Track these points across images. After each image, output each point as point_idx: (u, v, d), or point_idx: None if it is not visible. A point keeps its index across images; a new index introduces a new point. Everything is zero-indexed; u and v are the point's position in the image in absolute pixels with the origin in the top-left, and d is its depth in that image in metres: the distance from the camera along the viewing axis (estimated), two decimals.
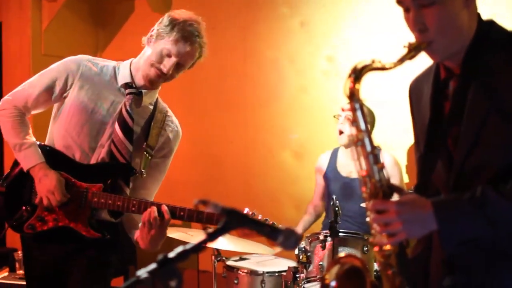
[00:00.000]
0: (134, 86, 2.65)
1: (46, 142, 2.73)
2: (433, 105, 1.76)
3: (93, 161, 2.63)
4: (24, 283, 4.06)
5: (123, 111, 2.62)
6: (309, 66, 4.63)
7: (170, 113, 2.81)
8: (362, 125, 1.66)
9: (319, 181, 4.11)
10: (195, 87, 5.06)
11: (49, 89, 2.65)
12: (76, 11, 5.34)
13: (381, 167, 1.65)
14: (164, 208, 2.47)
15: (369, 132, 1.66)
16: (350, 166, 3.90)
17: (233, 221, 1.40)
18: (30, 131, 2.71)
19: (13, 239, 5.23)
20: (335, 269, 1.74)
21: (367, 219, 1.66)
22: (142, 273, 1.30)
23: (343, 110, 3.82)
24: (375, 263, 3.37)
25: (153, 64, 2.57)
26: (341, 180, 3.91)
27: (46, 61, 5.28)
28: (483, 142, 1.63)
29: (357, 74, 1.64)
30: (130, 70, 2.67)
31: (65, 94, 2.65)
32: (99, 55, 5.50)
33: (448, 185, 1.70)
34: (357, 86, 1.64)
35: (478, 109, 1.64)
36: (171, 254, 1.34)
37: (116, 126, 2.61)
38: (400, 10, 1.72)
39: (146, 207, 2.49)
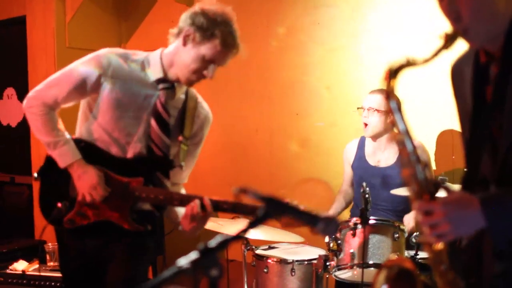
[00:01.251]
0: (166, 80, 2.63)
1: (77, 136, 2.71)
2: (475, 91, 1.72)
3: (129, 155, 2.63)
4: (55, 274, 4.14)
5: (159, 106, 2.60)
6: (336, 54, 4.58)
7: (200, 99, 2.80)
8: (402, 126, 1.64)
9: (347, 169, 4.08)
10: (219, 77, 5.02)
11: (80, 87, 2.60)
12: (99, 3, 5.35)
13: (424, 166, 1.64)
14: (207, 201, 2.47)
15: (409, 132, 1.64)
16: (378, 155, 3.86)
17: (273, 209, 1.39)
18: (61, 126, 2.67)
19: (41, 231, 5.28)
20: (383, 275, 1.72)
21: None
22: (184, 262, 1.30)
23: (369, 109, 3.75)
24: (406, 251, 3.35)
25: (195, 71, 2.56)
26: (370, 169, 3.87)
27: (71, 53, 5.35)
28: None
29: (393, 74, 1.63)
30: (162, 64, 2.63)
31: (97, 91, 2.62)
32: (122, 46, 5.51)
33: (494, 174, 1.67)
34: (393, 86, 1.63)
35: None
36: (212, 243, 1.33)
37: (152, 121, 2.61)
38: None
39: (189, 200, 2.49)
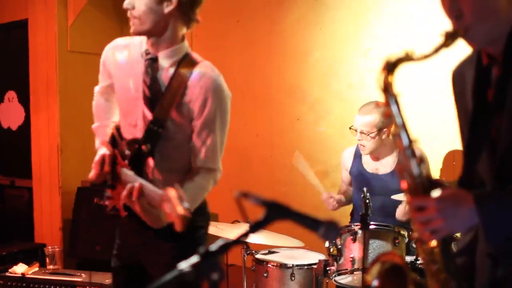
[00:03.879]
0: (149, 51, 2.55)
1: None
2: (476, 93, 1.71)
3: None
4: (54, 277, 4.16)
5: (144, 80, 2.54)
6: (337, 58, 4.59)
7: (197, 71, 2.51)
8: (398, 119, 1.63)
9: (345, 174, 4.07)
10: None
11: (103, 80, 2.74)
12: (101, 7, 5.35)
13: (420, 161, 1.62)
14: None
15: (405, 126, 1.63)
16: (376, 164, 3.85)
17: (274, 213, 1.38)
18: (107, 112, 2.74)
19: (41, 234, 5.29)
20: (376, 268, 1.71)
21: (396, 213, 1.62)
22: (184, 266, 1.30)
23: (362, 133, 3.72)
24: (406, 256, 3.35)
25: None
26: (367, 176, 3.85)
27: (72, 57, 5.35)
28: None
29: (391, 67, 1.61)
30: None
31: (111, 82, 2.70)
32: None
33: (491, 175, 1.66)
34: (390, 79, 1.62)
35: None
36: (213, 247, 1.33)
37: (141, 100, 2.56)
38: None
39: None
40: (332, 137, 4.60)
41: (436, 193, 1.60)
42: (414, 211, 1.58)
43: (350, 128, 3.81)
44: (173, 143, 2.57)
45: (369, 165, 3.87)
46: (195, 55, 2.59)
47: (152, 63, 2.53)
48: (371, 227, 3.24)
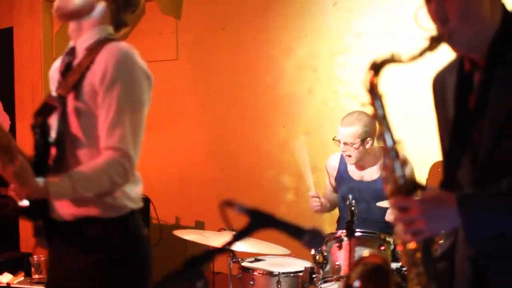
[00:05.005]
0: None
1: None
2: (457, 98, 1.74)
3: None
4: (39, 287, 4.12)
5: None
6: (322, 66, 4.61)
7: (107, 46, 2.26)
8: (383, 120, 1.65)
9: (330, 181, 4.08)
10: (207, 87, 5.06)
11: None
12: None
13: (403, 163, 1.64)
14: None
15: (390, 126, 1.65)
16: (361, 171, 3.86)
17: (258, 221, 1.39)
18: None
19: (27, 243, 5.26)
20: (359, 269, 1.72)
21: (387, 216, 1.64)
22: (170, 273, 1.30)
23: (346, 144, 3.74)
24: (392, 263, 3.36)
25: None
26: (353, 183, 3.86)
27: None
28: (507, 136, 1.59)
29: (377, 68, 1.64)
30: None
31: None
32: None
33: (472, 179, 1.67)
34: (376, 80, 1.65)
35: (502, 103, 1.61)
36: (198, 256, 1.33)
37: None
38: None
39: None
40: (318, 144, 4.61)
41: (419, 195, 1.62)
42: (397, 212, 1.59)
43: (333, 139, 3.83)
44: (80, 121, 2.27)
45: (354, 172, 3.88)
46: (120, 41, 2.34)
47: (69, 52, 2.38)
48: (357, 234, 3.25)
